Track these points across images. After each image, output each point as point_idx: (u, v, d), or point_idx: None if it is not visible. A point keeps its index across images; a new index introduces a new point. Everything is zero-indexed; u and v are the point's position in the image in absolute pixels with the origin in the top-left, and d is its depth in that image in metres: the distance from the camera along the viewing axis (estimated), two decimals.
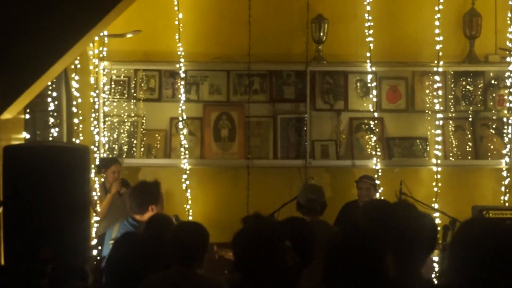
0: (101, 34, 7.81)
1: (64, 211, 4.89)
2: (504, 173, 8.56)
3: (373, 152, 8.52)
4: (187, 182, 8.41)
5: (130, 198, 6.29)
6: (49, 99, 7.06)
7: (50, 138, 7.07)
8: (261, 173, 8.50)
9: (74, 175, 4.98)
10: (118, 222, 6.30)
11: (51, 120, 7.12)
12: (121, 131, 8.55)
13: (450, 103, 8.72)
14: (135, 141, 8.55)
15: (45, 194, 4.89)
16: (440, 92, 8.58)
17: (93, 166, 7.70)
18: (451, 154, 8.66)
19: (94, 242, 7.47)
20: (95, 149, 8.27)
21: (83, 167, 5.07)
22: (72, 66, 7.52)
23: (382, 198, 7.92)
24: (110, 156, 8.33)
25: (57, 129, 7.19)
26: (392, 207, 4.47)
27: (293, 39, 8.59)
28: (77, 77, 7.60)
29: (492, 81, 8.76)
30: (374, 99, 8.57)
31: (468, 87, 8.73)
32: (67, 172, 4.95)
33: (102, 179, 7.90)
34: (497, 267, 3.26)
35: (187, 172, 8.43)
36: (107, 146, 8.47)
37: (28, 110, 6.49)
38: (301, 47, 8.49)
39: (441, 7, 8.50)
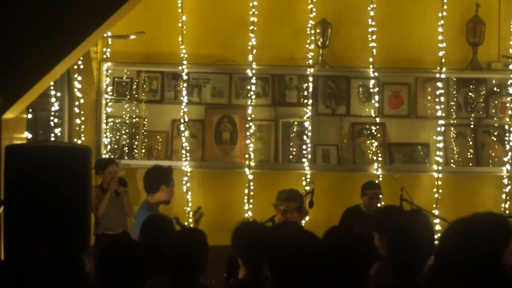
0: (105, 35, 7.81)
1: (65, 211, 4.89)
2: (505, 181, 8.56)
3: (375, 158, 8.52)
4: (188, 185, 8.41)
5: (144, 178, 6.88)
6: (52, 99, 7.07)
7: (52, 138, 7.07)
8: (262, 177, 8.50)
9: (75, 175, 4.97)
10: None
11: (53, 120, 7.13)
12: (123, 132, 8.55)
13: (452, 110, 8.72)
14: (136, 143, 8.55)
15: (46, 194, 4.89)
16: (442, 99, 8.58)
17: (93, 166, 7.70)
18: (452, 161, 8.66)
19: (93, 242, 7.48)
20: (97, 149, 8.27)
21: (84, 167, 5.06)
22: (75, 67, 7.53)
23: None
24: (111, 156, 8.32)
25: (59, 129, 7.20)
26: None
27: (296, 43, 8.59)
28: (79, 78, 7.61)
29: (495, 89, 8.76)
30: (376, 105, 8.57)
31: (470, 94, 8.73)
32: (69, 172, 4.94)
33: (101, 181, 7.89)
34: (472, 271, 3.29)
35: (188, 174, 8.43)
36: (109, 147, 8.47)
37: (30, 110, 6.49)
38: (304, 51, 8.49)
39: (444, 13, 8.51)
